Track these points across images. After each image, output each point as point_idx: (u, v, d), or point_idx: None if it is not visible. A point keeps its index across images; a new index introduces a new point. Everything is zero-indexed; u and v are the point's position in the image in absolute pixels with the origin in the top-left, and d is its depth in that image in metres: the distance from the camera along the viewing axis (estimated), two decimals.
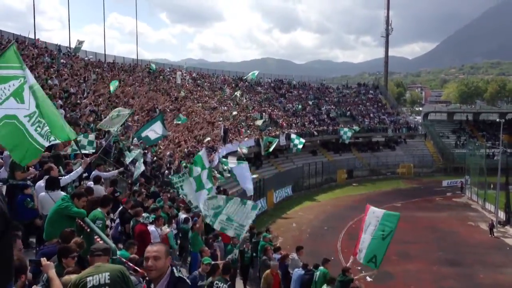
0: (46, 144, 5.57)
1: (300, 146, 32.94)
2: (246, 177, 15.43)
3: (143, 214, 10.30)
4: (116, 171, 13.27)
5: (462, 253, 25.19)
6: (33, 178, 8.61)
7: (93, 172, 11.57)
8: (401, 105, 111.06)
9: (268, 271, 11.07)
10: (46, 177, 7.88)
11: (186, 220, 12.90)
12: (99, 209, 7.24)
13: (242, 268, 14.06)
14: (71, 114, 16.69)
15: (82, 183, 10.87)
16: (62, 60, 29.26)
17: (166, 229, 11.07)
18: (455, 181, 45.91)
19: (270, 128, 45.90)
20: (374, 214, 10.10)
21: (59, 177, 8.64)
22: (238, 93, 46.62)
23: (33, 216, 7.54)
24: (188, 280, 3.66)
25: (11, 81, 5.46)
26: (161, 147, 23.67)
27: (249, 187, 15.73)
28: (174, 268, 3.56)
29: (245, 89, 55.59)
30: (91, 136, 13.34)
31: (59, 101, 16.97)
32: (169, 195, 14.87)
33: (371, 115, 60.86)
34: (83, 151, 11.58)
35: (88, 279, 3.60)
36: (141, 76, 41.01)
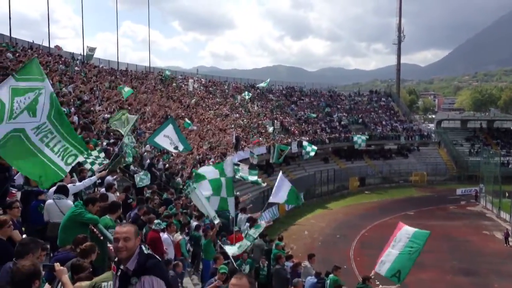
0: (66, 168, 5.60)
1: (312, 153, 32.81)
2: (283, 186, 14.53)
3: (155, 221, 10.31)
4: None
5: (476, 263, 24.83)
6: None
7: (106, 179, 11.61)
8: (414, 113, 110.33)
9: None
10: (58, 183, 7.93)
11: (197, 228, 12.89)
12: (107, 217, 7.25)
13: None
14: (84, 121, 16.83)
15: (96, 189, 10.91)
16: (76, 68, 29.58)
17: (178, 236, 11.05)
18: (470, 189, 45.31)
19: (282, 135, 45.86)
20: (406, 232, 10.09)
21: (73, 184, 8.70)
22: (246, 96, 46.56)
23: (46, 222, 7.57)
24: (158, 257, 3.67)
25: (27, 94, 5.52)
26: (173, 154, 23.75)
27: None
28: (142, 246, 3.58)
29: (257, 96, 55.69)
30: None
31: (72, 108, 17.12)
32: (181, 202, 14.85)
33: (383, 122, 60.50)
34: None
35: (103, 284, 3.61)
36: (154, 83, 41.30)
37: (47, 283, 4.85)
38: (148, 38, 51.55)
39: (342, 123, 57.86)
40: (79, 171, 10.70)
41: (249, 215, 15.55)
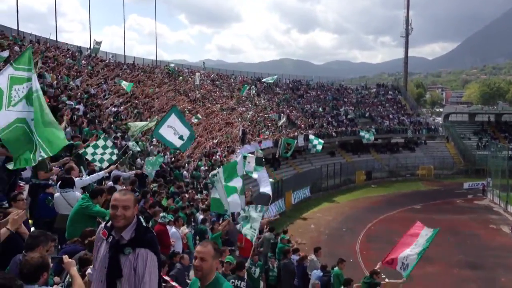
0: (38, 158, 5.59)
1: (319, 147, 32.74)
2: (265, 181, 15.69)
3: (161, 214, 10.35)
4: (133, 172, 13.34)
5: (483, 256, 24.75)
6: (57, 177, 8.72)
7: (112, 172, 11.67)
8: (421, 106, 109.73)
9: None
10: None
11: (203, 221, 12.93)
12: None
13: None
14: (91, 114, 16.90)
15: (104, 183, 10.98)
16: (83, 61, 29.66)
17: (185, 229, 11.11)
18: (477, 183, 45.08)
19: (289, 129, 45.83)
20: (426, 234, 10.15)
21: (80, 178, 8.76)
22: (253, 90, 46.54)
23: (54, 215, 7.64)
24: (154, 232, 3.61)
25: (25, 83, 5.56)
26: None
27: (268, 189, 16.01)
28: (140, 217, 3.52)
29: (263, 90, 55.63)
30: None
31: (81, 104, 17.18)
32: (187, 196, 14.90)
33: (390, 116, 60.24)
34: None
35: None
36: (160, 77, 41.35)
37: (55, 276, 4.91)
38: (154, 31, 51.43)
39: (349, 116, 57.69)
40: (86, 164, 10.77)
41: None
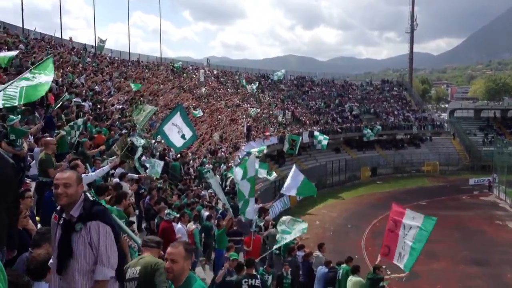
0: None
1: (325, 143, 32.67)
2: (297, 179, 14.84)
3: (166, 211, 10.37)
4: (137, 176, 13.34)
5: (489, 253, 24.70)
6: None
7: (117, 170, 11.69)
8: (426, 102, 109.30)
9: None
10: None
11: (209, 218, 12.97)
12: (115, 207, 7.30)
13: None
14: (96, 112, 16.94)
15: (109, 179, 11.01)
16: (88, 59, 29.73)
17: (191, 226, 11.14)
18: (482, 179, 44.91)
19: (294, 126, 45.77)
20: (414, 219, 10.03)
21: (85, 174, 8.77)
22: (254, 86, 46.46)
23: None
24: (104, 205, 3.58)
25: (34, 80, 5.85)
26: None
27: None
28: (87, 193, 3.50)
29: (268, 87, 55.54)
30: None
31: (87, 101, 17.23)
32: (193, 192, 14.93)
33: (395, 112, 60.07)
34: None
35: (129, 270, 3.64)
36: (165, 74, 41.38)
37: None
38: (159, 28, 51.35)
39: (354, 113, 57.55)
40: (92, 162, 10.79)
41: (260, 205, 15.63)
